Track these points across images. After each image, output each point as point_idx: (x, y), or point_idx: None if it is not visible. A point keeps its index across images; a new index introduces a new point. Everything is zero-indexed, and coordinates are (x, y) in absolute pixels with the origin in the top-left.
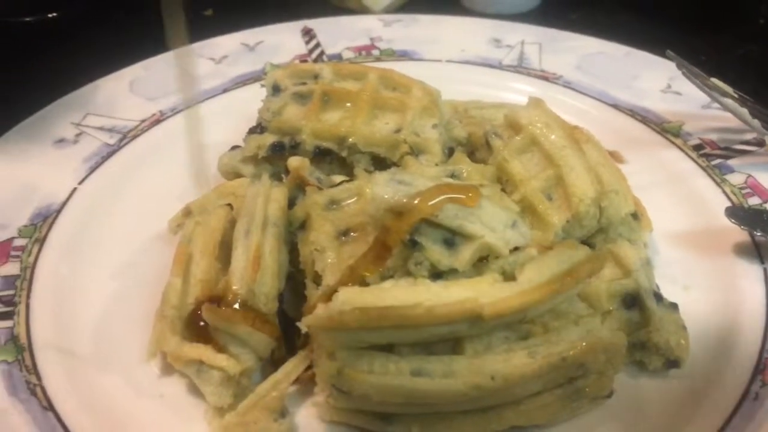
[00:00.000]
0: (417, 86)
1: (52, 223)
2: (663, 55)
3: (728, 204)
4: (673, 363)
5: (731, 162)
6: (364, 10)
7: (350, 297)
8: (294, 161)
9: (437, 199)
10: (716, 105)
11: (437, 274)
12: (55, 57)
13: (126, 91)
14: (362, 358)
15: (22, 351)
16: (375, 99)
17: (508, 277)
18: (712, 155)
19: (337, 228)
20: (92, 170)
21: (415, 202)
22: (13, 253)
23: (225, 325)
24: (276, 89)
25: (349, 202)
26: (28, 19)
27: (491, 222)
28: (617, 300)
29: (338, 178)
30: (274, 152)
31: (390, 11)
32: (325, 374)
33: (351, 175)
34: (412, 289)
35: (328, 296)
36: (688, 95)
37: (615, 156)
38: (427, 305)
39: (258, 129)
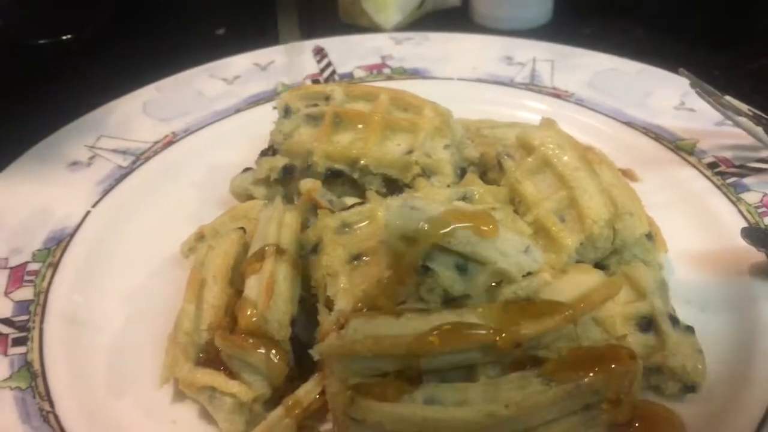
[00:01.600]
0: (428, 107)
1: (66, 247)
2: (677, 70)
3: (744, 223)
4: (689, 388)
5: (746, 180)
6: (375, 28)
7: (362, 325)
8: (306, 184)
9: (451, 227)
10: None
11: (450, 300)
12: (69, 79)
13: (139, 112)
14: (375, 386)
15: (35, 377)
16: (386, 120)
17: (523, 302)
18: (727, 173)
19: (349, 252)
20: (105, 193)
21: (427, 227)
22: (27, 277)
23: (237, 353)
24: (287, 111)
25: (361, 225)
26: (42, 41)
27: (504, 247)
28: (632, 323)
29: (350, 200)
30: (286, 175)
31: (401, 28)
32: (337, 402)
33: (363, 197)
34: (425, 316)
35: (341, 322)
36: (702, 112)
37: (628, 174)
38: (440, 333)
39: (270, 151)
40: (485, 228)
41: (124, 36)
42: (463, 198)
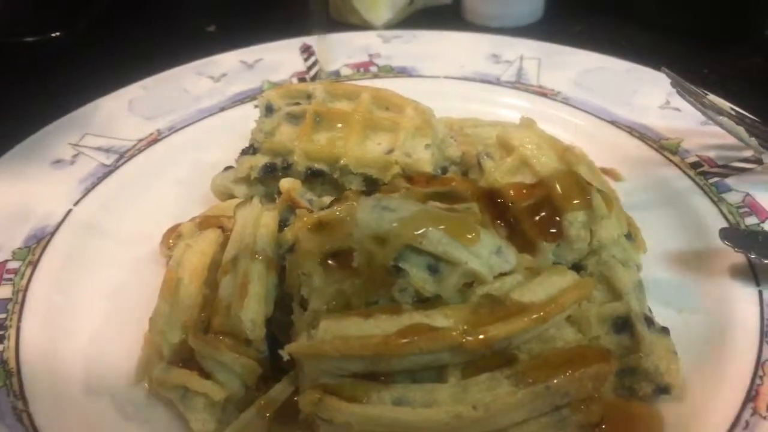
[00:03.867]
0: (410, 106)
1: (46, 245)
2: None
3: (725, 224)
4: (663, 389)
5: (729, 180)
6: (365, 25)
7: (332, 326)
8: (285, 183)
9: (423, 228)
10: None
11: (422, 300)
12: (58, 76)
13: (125, 110)
14: (345, 386)
15: (10, 376)
16: (367, 119)
17: (494, 302)
18: (710, 173)
19: (324, 252)
20: (87, 191)
21: (399, 228)
22: (6, 275)
23: (210, 352)
24: (269, 110)
25: (337, 225)
26: (31, 39)
27: (476, 248)
28: (607, 324)
29: (329, 199)
30: (266, 174)
31: (392, 26)
32: (306, 402)
33: (341, 195)
34: (394, 318)
35: (314, 322)
36: (687, 111)
37: (611, 174)
38: (407, 335)
39: (250, 150)
40: (469, 236)
41: (114, 33)
42: (442, 196)
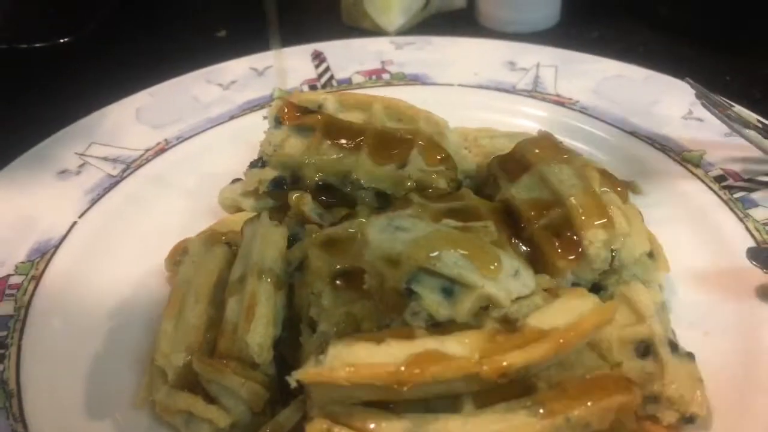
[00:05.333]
0: (423, 117)
1: (50, 259)
2: (685, 77)
3: (751, 242)
4: (688, 419)
5: (755, 195)
6: (378, 31)
7: (341, 352)
8: (295, 197)
9: (437, 251)
10: None
11: (435, 324)
12: (66, 82)
13: (132, 118)
14: (355, 415)
15: (10, 397)
16: (379, 131)
17: (511, 328)
18: (735, 187)
19: (334, 271)
20: (93, 203)
21: (411, 251)
22: (8, 291)
23: (215, 377)
24: (278, 121)
25: (348, 242)
26: (39, 44)
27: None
28: (629, 348)
29: (340, 213)
30: (275, 187)
31: (405, 31)
32: (314, 430)
33: (353, 211)
34: (407, 343)
35: (323, 346)
36: (710, 122)
37: (632, 187)
38: (421, 364)
39: (259, 162)
40: (491, 267)
41: (123, 38)
42: (456, 212)
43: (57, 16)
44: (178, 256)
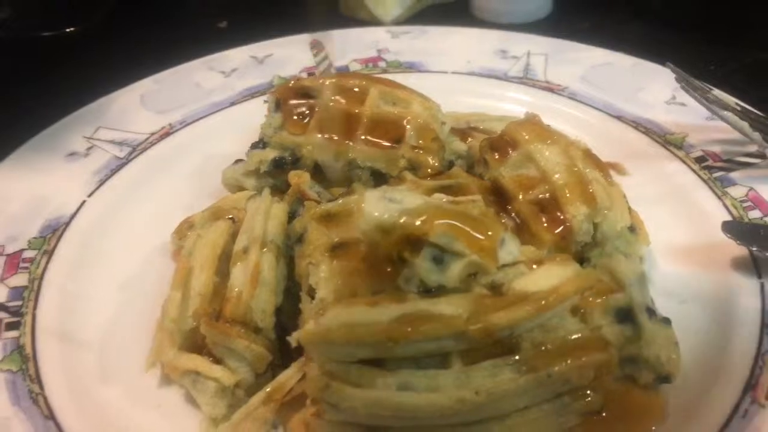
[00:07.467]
0: (417, 100)
1: (61, 235)
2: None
3: (728, 217)
4: (663, 378)
5: (733, 175)
6: (375, 21)
7: (338, 313)
8: (294, 176)
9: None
10: None
11: (426, 290)
12: (72, 70)
13: (137, 104)
14: (351, 372)
15: (26, 361)
16: (375, 114)
17: (497, 292)
18: (714, 167)
19: (332, 242)
20: (101, 183)
21: (403, 220)
22: (22, 264)
23: (222, 339)
24: (278, 105)
25: (345, 216)
26: (46, 34)
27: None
28: (610, 315)
29: (337, 191)
30: (276, 167)
31: (400, 21)
32: (313, 387)
33: (350, 188)
34: (400, 305)
35: (321, 310)
36: (693, 107)
37: (617, 168)
38: (412, 322)
39: (260, 144)
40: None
41: (126, 29)
42: (448, 189)
43: (62, 8)
44: (185, 230)
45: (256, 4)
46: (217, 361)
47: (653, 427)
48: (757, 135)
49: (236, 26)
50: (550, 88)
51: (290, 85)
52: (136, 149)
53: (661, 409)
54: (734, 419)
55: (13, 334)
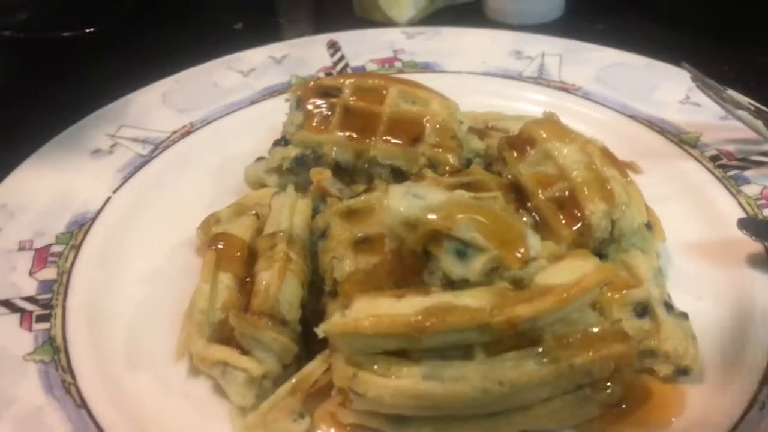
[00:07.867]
0: (436, 99)
1: (88, 230)
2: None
3: (743, 215)
4: (682, 371)
5: (747, 173)
6: (389, 22)
7: (364, 305)
8: (316, 173)
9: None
10: None
11: (450, 284)
12: (92, 71)
13: (159, 103)
14: (376, 363)
15: (58, 352)
16: (394, 112)
17: (519, 286)
18: (729, 166)
19: (355, 237)
20: (126, 180)
21: (428, 215)
22: (50, 258)
23: (250, 331)
24: (299, 103)
25: (367, 212)
26: (66, 34)
27: None
28: (628, 309)
29: (359, 188)
30: (298, 164)
31: (414, 23)
32: (340, 377)
33: (371, 185)
34: (424, 298)
35: (345, 303)
36: (707, 106)
37: (632, 167)
38: (437, 314)
39: (282, 142)
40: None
41: (144, 30)
42: (467, 186)
43: (83, 9)
44: (210, 225)
45: (271, 7)
46: (245, 352)
47: (672, 419)
48: None
49: (252, 28)
50: (565, 88)
51: (311, 84)
52: (158, 147)
53: (679, 402)
54: (752, 411)
55: (44, 325)
